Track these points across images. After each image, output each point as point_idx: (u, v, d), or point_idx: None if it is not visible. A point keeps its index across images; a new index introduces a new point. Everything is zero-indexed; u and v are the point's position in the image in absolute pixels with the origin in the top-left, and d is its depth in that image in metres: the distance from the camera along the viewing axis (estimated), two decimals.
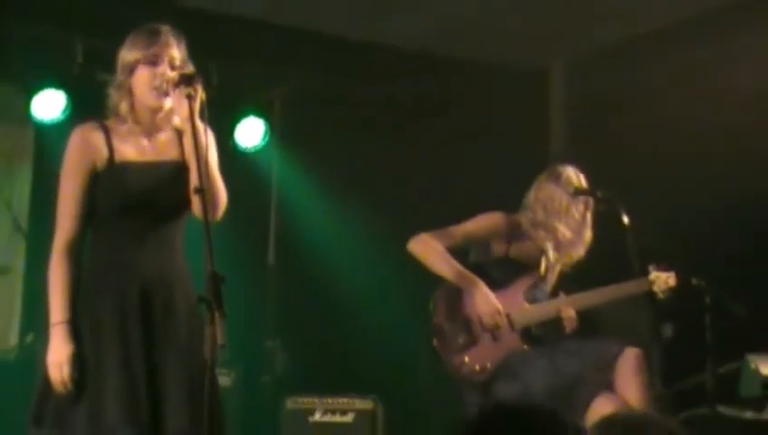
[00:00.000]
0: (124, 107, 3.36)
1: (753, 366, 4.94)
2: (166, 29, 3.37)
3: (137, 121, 3.38)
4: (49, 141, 5.98)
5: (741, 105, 5.84)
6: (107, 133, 3.36)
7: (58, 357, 3.23)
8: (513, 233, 4.51)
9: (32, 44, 6.21)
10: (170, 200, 3.37)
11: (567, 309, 4.42)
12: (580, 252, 4.56)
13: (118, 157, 3.34)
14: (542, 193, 4.52)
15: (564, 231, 4.48)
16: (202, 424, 3.12)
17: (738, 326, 4.42)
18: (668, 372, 4.70)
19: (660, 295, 4.43)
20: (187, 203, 3.34)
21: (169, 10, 5.76)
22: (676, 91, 6.28)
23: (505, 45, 7.01)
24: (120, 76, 3.37)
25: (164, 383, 3.28)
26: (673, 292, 4.43)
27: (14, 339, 6.44)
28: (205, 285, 2.99)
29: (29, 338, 6.06)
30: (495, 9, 6.45)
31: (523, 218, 4.52)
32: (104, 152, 3.34)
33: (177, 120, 3.39)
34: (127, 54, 3.37)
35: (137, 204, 3.32)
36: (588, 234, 4.56)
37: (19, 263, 6.39)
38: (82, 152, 3.34)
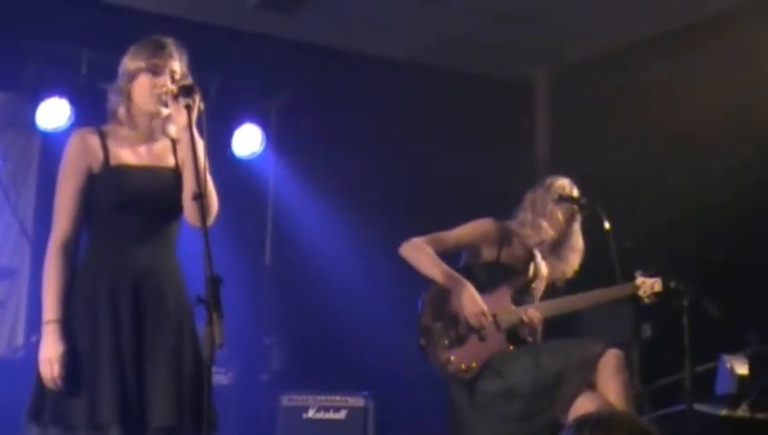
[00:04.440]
0: (122, 111, 3.43)
1: (728, 365, 5.07)
2: (170, 42, 3.46)
3: (133, 126, 3.45)
4: (54, 148, 5.82)
5: (719, 115, 5.95)
6: (103, 138, 3.42)
7: (49, 354, 3.26)
8: (504, 238, 4.58)
9: (40, 57, 6.31)
10: (164, 205, 3.42)
11: (534, 312, 4.46)
12: (574, 260, 4.64)
13: (113, 160, 3.40)
14: (533, 197, 4.64)
15: (548, 229, 4.56)
16: (187, 419, 3.27)
17: (714, 327, 4.49)
18: (647, 371, 4.82)
19: (645, 300, 4.53)
20: (179, 208, 3.41)
21: (172, 24, 5.89)
22: (658, 100, 6.39)
23: (492, 58, 7.12)
24: (120, 81, 3.44)
25: (151, 380, 3.31)
26: (657, 297, 4.52)
27: (20, 339, 6.51)
28: (204, 287, 3.01)
29: (34, 339, 6.08)
30: (482, 24, 6.59)
31: (514, 221, 4.62)
32: (100, 156, 3.39)
33: (172, 130, 3.45)
34: (130, 62, 3.44)
35: (132, 204, 3.37)
36: (578, 241, 4.64)
37: (25, 266, 6.41)
38: (79, 155, 3.39)
